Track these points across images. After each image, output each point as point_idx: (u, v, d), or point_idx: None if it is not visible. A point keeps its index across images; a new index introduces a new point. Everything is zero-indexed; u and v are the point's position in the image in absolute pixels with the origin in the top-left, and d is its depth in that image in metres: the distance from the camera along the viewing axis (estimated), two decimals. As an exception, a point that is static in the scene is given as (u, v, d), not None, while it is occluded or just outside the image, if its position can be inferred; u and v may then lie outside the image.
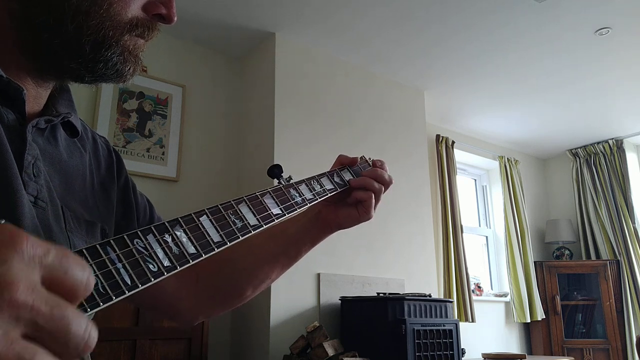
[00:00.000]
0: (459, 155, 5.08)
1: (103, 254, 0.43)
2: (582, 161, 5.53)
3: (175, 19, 0.67)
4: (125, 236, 0.46)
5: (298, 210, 0.76)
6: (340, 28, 3.40)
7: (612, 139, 5.36)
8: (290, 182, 0.79)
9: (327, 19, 3.30)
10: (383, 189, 0.90)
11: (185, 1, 3.05)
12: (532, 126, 5.08)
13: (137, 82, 3.18)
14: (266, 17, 3.27)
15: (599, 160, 5.39)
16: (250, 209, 0.66)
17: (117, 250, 0.44)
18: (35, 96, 0.65)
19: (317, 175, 0.85)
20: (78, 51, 0.61)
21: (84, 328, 0.32)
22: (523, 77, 4.09)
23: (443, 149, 4.71)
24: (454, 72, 4.01)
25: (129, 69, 0.65)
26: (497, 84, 4.19)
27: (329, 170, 0.90)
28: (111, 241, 0.45)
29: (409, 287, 3.66)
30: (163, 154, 3.26)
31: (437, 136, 4.78)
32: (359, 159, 0.95)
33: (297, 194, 0.77)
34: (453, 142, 4.85)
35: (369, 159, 1.00)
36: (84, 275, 0.34)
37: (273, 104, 3.33)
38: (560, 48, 3.64)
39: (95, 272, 0.42)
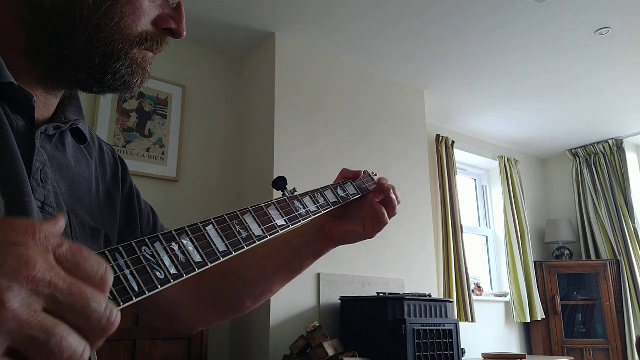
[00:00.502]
0: (459, 155, 5.08)
1: (112, 260, 0.43)
2: (582, 161, 5.54)
3: (185, 34, 0.68)
4: (133, 243, 0.47)
5: (302, 222, 0.76)
6: (340, 28, 3.40)
7: (612, 139, 5.36)
8: (295, 194, 0.80)
9: (327, 19, 3.29)
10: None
11: (186, 1, 3.04)
12: (532, 126, 5.09)
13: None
14: (266, 17, 3.27)
15: (599, 160, 5.40)
16: (255, 219, 0.66)
17: (125, 257, 0.45)
18: (45, 103, 0.66)
19: (321, 188, 0.86)
20: (87, 62, 0.61)
21: (104, 306, 0.34)
22: (523, 77, 4.09)
23: (443, 149, 4.72)
24: (454, 72, 4.01)
25: (137, 80, 0.66)
26: (497, 84, 4.20)
27: (332, 183, 0.91)
28: (120, 248, 0.45)
29: (409, 287, 3.66)
30: (163, 154, 3.26)
31: (437, 136, 4.78)
32: (362, 173, 0.96)
33: (301, 206, 0.78)
34: (453, 142, 4.85)
35: (372, 173, 1.01)
36: (100, 269, 0.36)
37: (273, 104, 3.32)
38: (560, 48, 3.65)
39: None
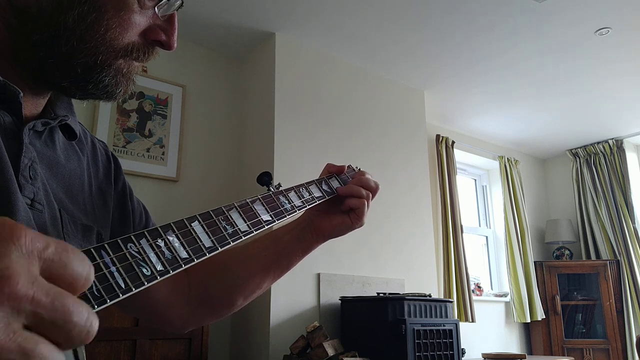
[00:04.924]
0: (459, 155, 5.08)
1: (97, 258, 0.43)
2: (582, 161, 5.53)
3: (175, 46, 0.67)
4: (119, 240, 0.47)
5: (287, 217, 0.77)
6: (340, 28, 3.40)
7: (612, 139, 5.36)
8: (280, 189, 0.80)
9: (327, 19, 3.30)
10: (370, 195, 0.92)
11: (186, 1, 3.05)
12: (532, 126, 5.09)
13: (137, 82, 3.17)
14: (266, 17, 3.27)
15: (599, 160, 5.39)
16: (241, 215, 0.67)
17: (111, 254, 0.45)
18: (33, 99, 0.65)
19: (306, 183, 0.87)
20: (69, 71, 0.61)
21: (86, 317, 0.33)
22: (523, 77, 4.09)
23: (443, 149, 4.71)
24: (454, 72, 4.01)
25: (120, 90, 0.66)
26: (497, 83, 4.20)
27: (317, 178, 0.92)
28: (105, 245, 0.45)
29: (409, 287, 3.66)
30: (163, 154, 3.27)
31: (437, 136, 4.78)
32: (346, 168, 0.97)
33: (286, 201, 0.78)
34: (453, 142, 4.85)
35: (356, 167, 1.02)
36: (84, 268, 0.35)
37: (273, 104, 3.33)
38: (560, 48, 3.64)
39: None
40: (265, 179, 0.82)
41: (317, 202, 0.85)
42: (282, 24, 3.35)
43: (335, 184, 0.92)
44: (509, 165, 5.29)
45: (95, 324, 0.34)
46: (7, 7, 0.58)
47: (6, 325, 0.29)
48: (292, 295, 3.06)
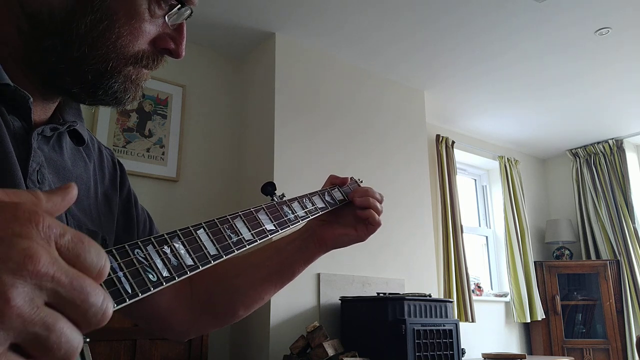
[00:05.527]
0: (459, 155, 5.08)
1: None
2: (582, 161, 5.53)
3: (183, 54, 0.68)
4: (126, 246, 0.48)
5: (291, 226, 0.77)
6: (340, 28, 3.40)
7: (612, 139, 5.36)
8: (284, 199, 0.81)
9: (327, 19, 3.30)
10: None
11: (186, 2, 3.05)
12: (532, 126, 5.09)
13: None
14: (266, 17, 3.27)
15: (599, 160, 5.39)
16: (245, 224, 0.68)
17: (118, 259, 0.45)
18: (42, 105, 0.66)
19: (309, 194, 0.88)
20: (80, 77, 0.62)
21: (102, 300, 0.35)
22: (523, 77, 4.09)
23: (443, 149, 4.72)
24: (454, 72, 4.01)
25: (129, 97, 0.66)
26: (497, 83, 4.20)
27: (320, 189, 0.92)
28: (113, 250, 0.46)
29: (409, 287, 3.66)
30: (163, 154, 3.27)
31: (437, 136, 4.78)
32: (349, 179, 0.98)
33: (290, 211, 0.79)
34: (453, 142, 4.85)
35: (359, 179, 1.03)
36: (99, 260, 0.36)
37: (273, 104, 3.33)
38: (560, 48, 3.64)
39: None
40: (269, 188, 0.83)
41: (321, 213, 0.86)
42: (282, 24, 3.34)
43: (338, 195, 0.93)
44: (509, 165, 5.29)
45: (110, 307, 0.36)
46: (18, 12, 0.59)
47: (31, 300, 0.31)
48: (292, 295, 3.06)
